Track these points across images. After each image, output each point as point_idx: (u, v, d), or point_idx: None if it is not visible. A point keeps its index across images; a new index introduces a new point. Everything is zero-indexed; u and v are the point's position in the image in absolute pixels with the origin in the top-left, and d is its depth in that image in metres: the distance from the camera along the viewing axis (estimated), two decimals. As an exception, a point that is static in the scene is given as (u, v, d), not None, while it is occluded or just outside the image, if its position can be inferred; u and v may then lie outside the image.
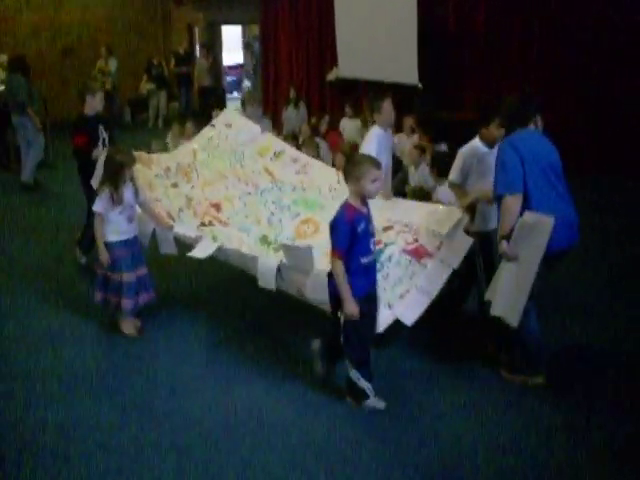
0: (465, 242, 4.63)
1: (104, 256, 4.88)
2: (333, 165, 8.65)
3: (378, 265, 4.21)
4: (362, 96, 11.94)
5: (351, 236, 3.75)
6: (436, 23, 10.93)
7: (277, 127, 11.01)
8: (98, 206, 4.83)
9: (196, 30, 16.76)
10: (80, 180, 6.23)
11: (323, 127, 10.48)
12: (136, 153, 5.47)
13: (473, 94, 11.01)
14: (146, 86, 14.98)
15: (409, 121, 9.03)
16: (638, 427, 3.85)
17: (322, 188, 5.62)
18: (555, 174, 4.16)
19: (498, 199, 4.19)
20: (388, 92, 5.82)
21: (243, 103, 9.20)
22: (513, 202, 4.00)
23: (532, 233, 3.92)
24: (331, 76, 12.54)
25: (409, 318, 4.25)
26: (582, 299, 5.63)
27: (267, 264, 4.60)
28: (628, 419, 3.93)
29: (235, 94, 19.25)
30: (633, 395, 4.17)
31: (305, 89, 13.20)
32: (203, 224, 5.40)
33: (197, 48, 16.62)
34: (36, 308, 5.64)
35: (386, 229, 4.82)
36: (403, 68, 10.79)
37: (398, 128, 9.57)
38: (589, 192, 7.74)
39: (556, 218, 3.92)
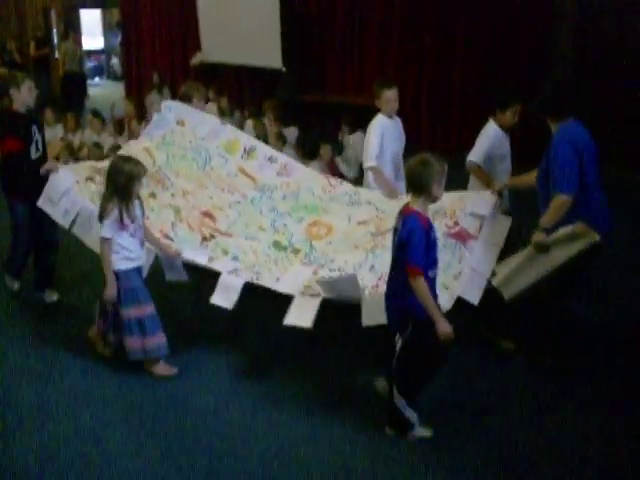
0: (505, 221, 4.56)
1: (113, 290, 4.13)
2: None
3: None
4: (225, 81, 11.99)
5: (426, 247, 3.37)
6: (298, 6, 11.09)
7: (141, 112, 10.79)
8: (107, 231, 4.03)
9: (53, 14, 16.06)
10: (4, 192, 5.19)
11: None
12: (83, 163, 5.02)
13: (336, 76, 11.26)
14: (-1, 70, 14.24)
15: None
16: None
17: (314, 190, 5.32)
18: (597, 160, 4.24)
19: (543, 191, 4.22)
20: (393, 80, 5.87)
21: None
22: (567, 202, 4.00)
23: (574, 241, 3.98)
24: (195, 60, 12.43)
25: (473, 296, 4.15)
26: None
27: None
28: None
29: (97, 80, 18.68)
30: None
31: (169, 74, 13.00)
32: (205, 238, 4.81)
33: (54, 32, 15.99)
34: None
35: None
36: (267, 52, 10.88)
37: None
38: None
39: (601, 202, 4.13)
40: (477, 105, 9.65)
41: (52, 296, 5.40)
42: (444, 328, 3.33)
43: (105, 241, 4.06)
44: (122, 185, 4.02)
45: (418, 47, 10.13)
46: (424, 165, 3.40)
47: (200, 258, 4.53)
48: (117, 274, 4.15)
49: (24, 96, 4.94)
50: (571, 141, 4.06)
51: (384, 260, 4.14)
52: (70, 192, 4.64)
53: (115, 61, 18.61)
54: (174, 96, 11.66)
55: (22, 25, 16.26)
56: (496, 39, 9.44)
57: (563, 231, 3.99)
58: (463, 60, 9.81)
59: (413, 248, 3.32)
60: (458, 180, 4.96)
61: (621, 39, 8.64)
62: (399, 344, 3.58)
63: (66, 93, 13.82)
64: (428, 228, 3.40)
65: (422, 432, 3.68)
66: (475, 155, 5.02)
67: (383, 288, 3.82)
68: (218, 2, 11.46)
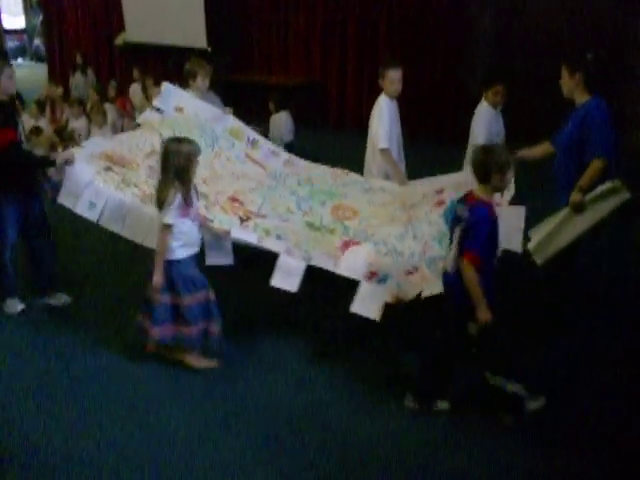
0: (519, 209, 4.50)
1: (160, 278, 3.90)
2: (122, 130, 8.62)
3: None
4: (150, 61, 11.88)
5: (489, 237, 3.39)
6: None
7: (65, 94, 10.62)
8: (170, 217, 3.81)
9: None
10: None
11: (111, 92, 10.28)
12: (93, 152, 4.62)
13: (261, 56, 11.31)
14: None
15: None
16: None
17: (326, 178, 5.36)
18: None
19: (567, 158, 4.30)
20: (395, 60, 5.74)
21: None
22: (604, 165, 4.10)
23: (610, 198, 4.11)
24: (119, 41, 12.27)
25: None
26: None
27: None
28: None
29: (20, 61, 18.20)
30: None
31: (94, 54, 12.80)
32: (242, 220, 4.61)
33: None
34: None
35: (438, 192, 4.82)
36: (191, 32, 10.85)
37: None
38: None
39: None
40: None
41: (61, 298, 5.01)
42: (484, 314, 3.35)
43: (167, 228, 3.84)
44: (182, 167, 3.84)
45: (342, 27, 10.25)
46: (487, 154, 3.42)
47: (250, 237, 4.29)
48: (175, 262, 3.95)
49: (5, 84, 4.47)
50: (606, 109, 4.20)
51: (423, 228, 4.43)
52: (93, 183, 4.42)
53: (38, 42, 18.13)
54: (98, 77, 11.59)
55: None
56: (418, 17, 9.62)
57: (600, 188, 4.11)
58: (386, 43, 9.95)
59: (476, 237, 3.34)
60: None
61: (542, 19, 8.93)
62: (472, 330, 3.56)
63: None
64: (494, 219, 3.42)
65: (537, 402, 3.65)
66: (479, 135, 5.25)
67: (429, 254, 4.12)
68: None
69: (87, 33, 13.37)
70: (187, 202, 3.86)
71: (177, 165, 3.83)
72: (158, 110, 5.33)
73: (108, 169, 4.61)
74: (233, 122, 5.61)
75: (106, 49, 12.99)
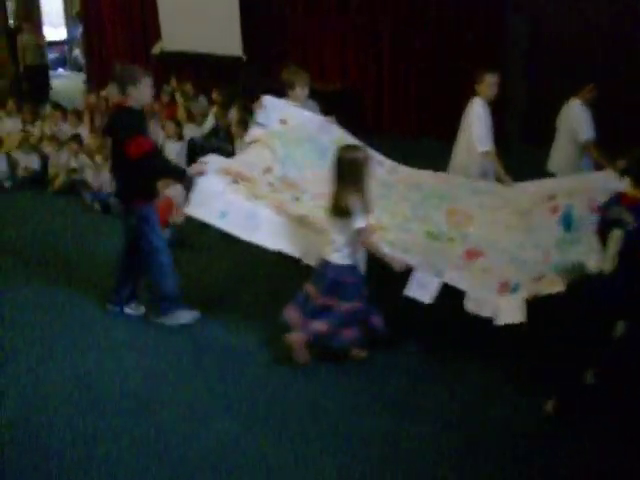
0: None
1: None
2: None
3: (572, 228, 4.32)
4: (187, 69, 12.00)
5: None
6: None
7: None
8: (362, 220, 3.95)
9: (9, 2, 15.84)
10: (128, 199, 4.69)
11: (164, 98, 10.36)
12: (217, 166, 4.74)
13: (296, 62, 11.31)
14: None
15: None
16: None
17: (432, 181, 5.31)
18: None
19: None
20: (493, 65, 5.80)
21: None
22: None
23: None
24: (156, 50, 12.43)
25: None
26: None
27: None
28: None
29: (60, 71, 18.51)
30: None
31: (130, 63, 12.95)
32: None
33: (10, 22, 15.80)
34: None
35: (550, 198, 4.77)
36: (227, 40, 10.94)
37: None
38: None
39: None
40: (438, 89, 9.82)
41: (140, 309, 5.10)
42: None
43: (363, 230, 3.98)
44: (358, 174, 3.98)
45: (377, 33, 10.23)
46: None
47: (412, 260, 4.29)
48: (347, 268, 4.10)
49: (142, 93, 4.53)
50: None
51: (542, 236, 4.44)
52: (224, 194, 4.54)
53: (77, 52, 18.44)
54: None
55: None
56: (453, 23, 9.55)
57: None
58: (421, 43, 9.89)
59: None
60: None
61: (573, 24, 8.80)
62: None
63: (29, 85, 13.70)
64: None
65: None
66: (485, 143, 5.39)
67: (552, 261, 4.17)
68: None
69: (124, 43, 13.56)
70: (365, 209, 3.98)
71: (353, 172, 3.97)
72: (261, 125, 5.32)
73: (234, 182, 4.70)
74: (337, 132, 5.50)
75: (143, 58, 13.14)
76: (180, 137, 8.50)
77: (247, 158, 5.11)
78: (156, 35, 12.44)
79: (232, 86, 10.12)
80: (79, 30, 16.27)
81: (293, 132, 5.26)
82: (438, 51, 9.65)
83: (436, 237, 4.73)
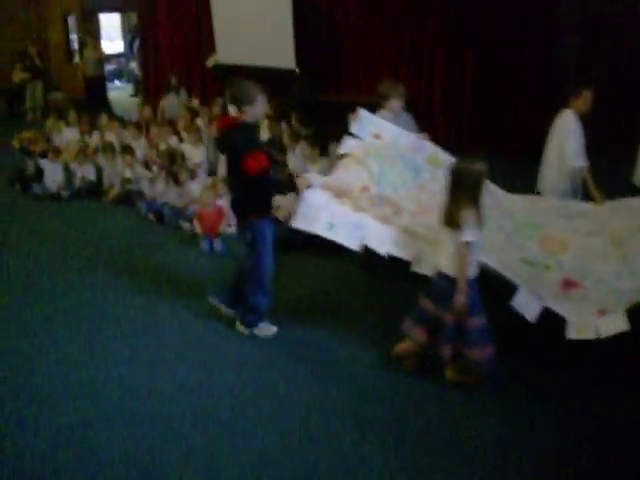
0: None
1: (463, 298, 3.94)
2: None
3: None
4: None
5: None
6: (311, 6, 11.17)
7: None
8: (470, 234, 3.87)
9: (71, 18, 16.30)
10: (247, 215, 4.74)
11: (215, 110, 10.48)
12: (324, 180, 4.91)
13: (351, 76, 11.36)
14: (20, 75, 14.48)
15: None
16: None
17: (523, 207, 5.20)
18: None
19: None
20: (589, 81, 5.71)
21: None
22: None
23: None
24: (210, 62, 12.58)
25: None
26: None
27: None
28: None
29: (117, 83, 18.92)
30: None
31: (185, 76, 13.13)
32: None
33: (74, 38, 16.28)
34: None
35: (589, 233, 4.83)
36: (280, 53, 11.00)
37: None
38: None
39: None
40: (489, 103, 9.73)
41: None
42: None
43: (467, 245, 3.89)
44: (474, 186, 3.93)
45: (430, 47, 10.19)
46: None
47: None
48: (469, 282, 3.99)
49: (257, 111, 4.65)
50: None
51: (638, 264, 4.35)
52: (330, 206, 4.68)
53: (134, 65, 18.85)
54: (190, 98, 11.93)
55: (42, 30, 16.53)
56: (504, 37, 9.45)
57: None
58: (474, 57, 9.83)
59: None
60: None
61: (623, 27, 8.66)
62: None
63: (88, 97, 14.08)
64: None
65: None
66: (579, 157, 5.35)
67: None
68: (232, 4, 11.59)
69: (180, 55, 13.76)
70: (478, 223, 3.91)
71: (469, 184, 3.92)
72: (354, 136, 5.35)
73: (337, 196, 4.83)
74: (430, 149, 5.44)
75: (197, 71, 13.34)
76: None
77: (344, 176, 5.11)
78: (210, 48, 12.60)
79: (285, 99, 10.20)
80: (135, 43, 16.62)
81: (387, 150, 5.26)
82: (490, 68, 9.58)
83: (532, 264, 4.68)
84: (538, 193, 5.86)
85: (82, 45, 15.02)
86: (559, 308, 4.17)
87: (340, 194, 4.85)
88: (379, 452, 3.66)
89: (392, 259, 4.61)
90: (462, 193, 3.91)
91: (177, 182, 7.65)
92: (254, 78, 11.39)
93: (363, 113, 5.42)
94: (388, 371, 4.41)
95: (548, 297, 4.23)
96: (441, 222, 4.04)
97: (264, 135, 9.16)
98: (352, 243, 4.58)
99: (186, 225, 7.17)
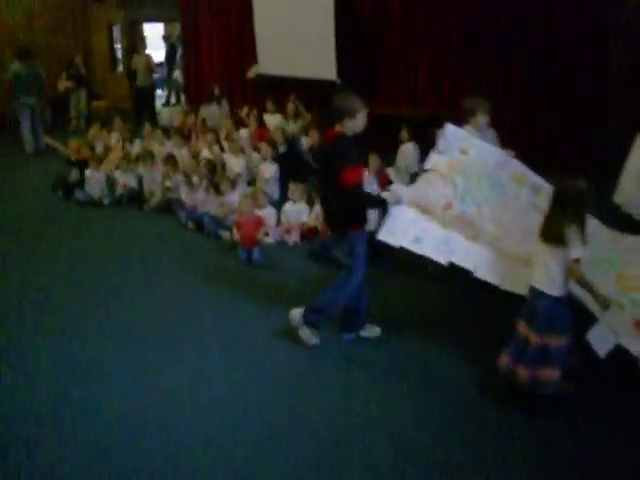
0: None
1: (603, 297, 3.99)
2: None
3: None
4: (281, 92, 12.18)
5: None
6: (353, 18, 11.18)
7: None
8: (578, 251, 3.87)
9: (116, 28, 16.59)
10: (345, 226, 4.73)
11: (252, 121, 10.57)
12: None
13: (389, 89, 11.33)
14: (65, 84, 14.71)
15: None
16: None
17: (607, 242, 4.98)
18: None
19: None
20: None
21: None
22: None
23: None
24: (251, 73, 12.66)
25: None
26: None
27: None
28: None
29: (159, 92, 19.14)
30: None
31: (227, 86, 13.25)
32: None
33: (117, 47, 16.57)
34: None
35: None
36: (322, 64, 11.02)
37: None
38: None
39: None
40: (534, 119, 9.60)
41: (374, 331, 5.16)
42: None
43: (577, 262, 3.90)
44: (578, 203, 3.93)
45: (474, 59, 10.11)
46: None
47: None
48: (561, 300, 4.01)
49: (357, 124, 4.62)
50: None
51: None
52: (418, 220, 4.80)
53: (177, 74, 19.06)
54: (232, 108, 12.03)
55: (88, 40, 16.84)
56: (553, 50, 9.34)
57: None
58: (520, 72, 9.71)
59: None
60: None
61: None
62: None
63: (137, 107, 14.30)
64: None
65: None
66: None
67: None
68: (275, 16, 11.65)
69: (221, 65, 13.89)
70: (583, 240, 3.87)
71: (574, 201, 3.92)
72: (441, 153, 5.33)
73: (423, 212, 4.91)
74: (516, 166, 5.33)
75: (239, 81, 13.43)
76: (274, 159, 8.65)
77: (427, 192, 5.12)
78: (252, 59, 12.68)
79: (326, 109, 10.19)
80: (178, 53, 16.84)
81: (473, 166, 5.21)
82: (536, 81, 9.47)
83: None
84: (615, 205, 5.74)
85: (130, 54, 15.28)
86: (632, 346, 4.01)
87: (424, 210, 4.89)
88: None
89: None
90: (567, 210, 3.90)
91: (218, 191, 7.69)
92: (295, 88, 11.64)
93: (450, 128, 5.38)
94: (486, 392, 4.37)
95: (623, 334, 4.07)
96: (541, 239, 4.02)
97: (306, 144, 9.24)
98: (440, 257, 4.67)
99: (226, 234, 7.19)
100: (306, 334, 4.93)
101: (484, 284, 4.69)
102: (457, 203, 5.04)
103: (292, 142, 9.30)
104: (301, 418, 4.07)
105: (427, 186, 5.17)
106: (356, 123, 4.57)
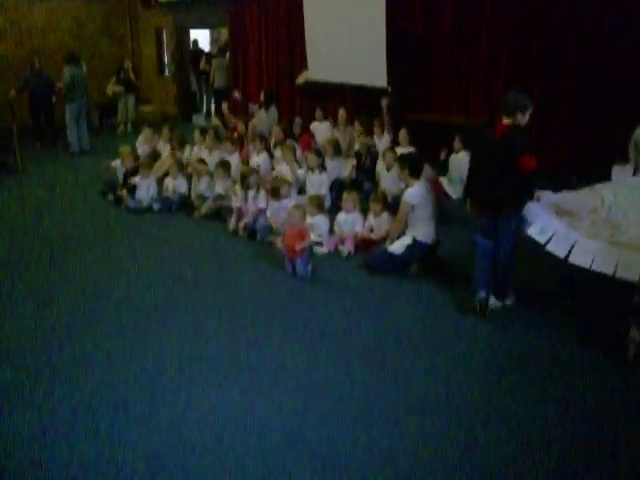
0: None
1: None
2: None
3: None
4: (329, 99, 12.12)
5: None
6: (404, 27, 11.04)
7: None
8: None
9: (164, 33, 16.72)
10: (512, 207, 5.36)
11: (296, 129, 10.56)
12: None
13: (440, 96, 11.17)
14: (113, 88, 14.85)
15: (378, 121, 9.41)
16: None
17: None
18: None
19: None
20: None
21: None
22: None
23: None
24: (300, 79, 12.60)
25: None
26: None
27: None
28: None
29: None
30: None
31: (275, 92, 13.24)
32: None
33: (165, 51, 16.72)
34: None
35: None
36: (372, 71, 10.92)
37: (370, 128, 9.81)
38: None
39: None
40: (588, 130, 9.35)
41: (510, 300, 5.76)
42: None
43: None
44: None
45: (525, 66, 9.91)
46: None
47: None
48: None
49: (525, 118, 5.25)
50: None
51: None
52: (545, 215, 5.30)
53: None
54: (280, 115, 11.99)
55: (136, 45, 16.99)
56: (605, 61, 9.10)
57: None
58: (573, 82, 9.49)
59: None
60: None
61: None
62: None
63: (216, 108, 14.74)
64: None
65: None
66: None
67: None
68: (325, 22, 11.59)
69: (270, 71, 13.87)
70: None
71: None
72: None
73: (559, 213, 5.41)
74: None
75: (287, 87, 13.40)
76: (323, 167, 8.49)
77: (577, 198, 5.60)
78: (300, 65, 12.64)
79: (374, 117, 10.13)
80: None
81: (623, 184, 5.77)
82: (587, 92, 9.26)
83: None
84: None
85: (209, 58, 15.80)
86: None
87: (563, 212, 5.39)
88: None
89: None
90: None
91: (276, 196, 7.55)
92: (344, 95, 11.55)
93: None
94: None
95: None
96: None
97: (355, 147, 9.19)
98: (559, 251, 5.14)
99: (278, 244, 7.06)
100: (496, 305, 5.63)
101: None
102: (604, 210, 5.41)
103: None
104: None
105: (575, 195, 5.69)
106: (524, 117, 5.23)
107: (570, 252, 5.10)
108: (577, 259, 5.08)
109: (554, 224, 5.24)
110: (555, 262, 5.27)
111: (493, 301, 5.60)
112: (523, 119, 5.24)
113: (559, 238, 5.18)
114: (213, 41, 19.24)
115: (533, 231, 5.21)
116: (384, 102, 10.30)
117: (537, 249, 5.26)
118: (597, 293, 5.70)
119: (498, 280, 5.60)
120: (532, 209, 5.29)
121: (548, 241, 5.14)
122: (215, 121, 12.00)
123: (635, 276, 4.74)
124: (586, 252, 5.05)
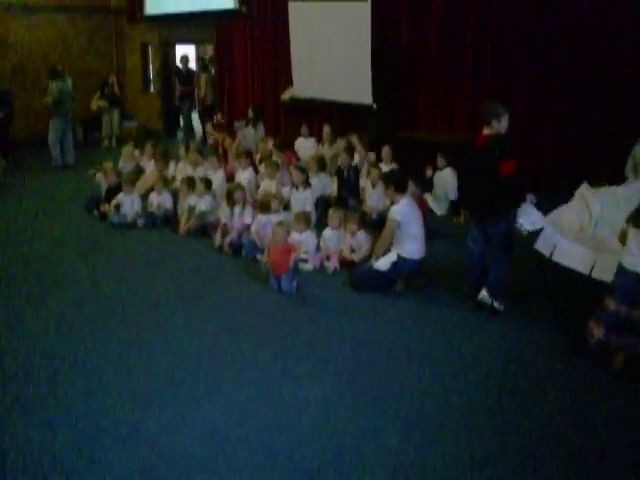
0: None
1: None
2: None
3: None
4: (314, 116, 12.13)
5: None
6: (389, 43, 11.12)
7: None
8: None
9: (149, 48, 16.69)
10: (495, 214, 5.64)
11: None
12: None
13: (427, 114, 11.22)
14: (97, 103, 14.79)
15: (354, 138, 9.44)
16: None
17: None
18: None
19: None
20: None
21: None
22: None
23: None
24: (285, 96, 12.62)
25: None
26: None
27: None
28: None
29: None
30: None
31: (260, 108, 13.25)
32: None
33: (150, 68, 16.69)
34: None
35: None
36: (357, 88, 10.95)
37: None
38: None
39: None
40: (572, 147, 9.44)
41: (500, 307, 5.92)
42: None
43: None
44: None
45: (508, 85, 9.98)
46: None
47: None
48: None
49: (501, 125, 5.47)
50: None
51: None
52: (537, 212, 5.61)
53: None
54: (266, 131, 12.00)
55: (122, 60, 16.94)
56: (593, 82, 9.20)
57: None
58: (560, 98, 9.58)
59: None
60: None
61: None
62: None
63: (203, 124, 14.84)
64: None
65: None
66: None
67: None
68: (311, 39, 11.61)
69: (255, 87, 13.88)
70: None
71: None
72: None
73: (553, 225, 5.79)
74: None
75: (273, 103, 13.41)
76: (308, 184, 8.46)
77: (564, 218, 5.95)
78: (286, 82, 12.66)
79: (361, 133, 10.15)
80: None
81: (612, 193, 5.93)
82: (574, 105, 9.35)
83: None
84: None
85: (198, 73, 15.83)
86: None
87: (556, 224, 5.74)
88: None
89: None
90: None
91: (264, 210, 7.50)
92: (329, 112, 11.58)
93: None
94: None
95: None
96: (633, 222, 4.70)
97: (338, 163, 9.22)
98: (544, 248, 5.63)
99: (264, 260, 7.01)
100: (500, 306, 5.83)
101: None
102: (590, 228, 5.78)
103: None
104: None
105: (564, 213, 6.01)
106: (500, 125, 5.44)
107: (553, 252, 5.53)
108: (558, 258, 5.50)
109: (544, 221, 5.61)
110: (549, 266, 5.68)
111: (484, 295, 5.85)
112: (500, 125, 5.44)
113: (546, 237, 5.57)
114: (198, 58, 19.23)
115: (525, 222, 5.44)
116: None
117: (532, 253, 5.73)
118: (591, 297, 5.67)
119: (491, 282, 5.82)
120: (525, 208, 5.52)
121: (537, 233, 5.56)
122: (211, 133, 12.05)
123: (610, 277, 4.96)
124: (567, 253, 5.44)
